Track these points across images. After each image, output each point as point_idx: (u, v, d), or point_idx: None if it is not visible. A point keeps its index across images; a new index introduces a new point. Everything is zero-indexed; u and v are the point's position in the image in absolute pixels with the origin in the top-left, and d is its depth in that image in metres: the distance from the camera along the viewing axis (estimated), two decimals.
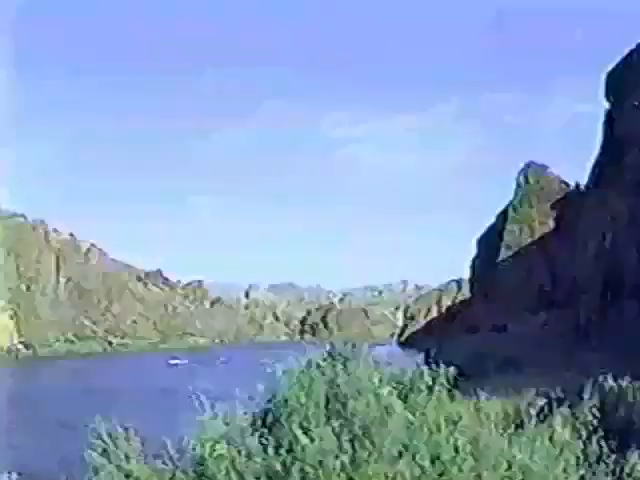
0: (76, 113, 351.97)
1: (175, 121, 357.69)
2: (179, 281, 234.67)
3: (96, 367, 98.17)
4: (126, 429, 5.54)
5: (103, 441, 5.28)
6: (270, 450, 5.27)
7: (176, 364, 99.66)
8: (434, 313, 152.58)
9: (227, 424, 5.70)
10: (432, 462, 5.06)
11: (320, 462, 5.08)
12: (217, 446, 5.38)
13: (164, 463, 5.51)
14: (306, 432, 5.28)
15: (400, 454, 5.11)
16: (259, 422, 5.86)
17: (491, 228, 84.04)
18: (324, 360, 6.15)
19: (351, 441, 5.24)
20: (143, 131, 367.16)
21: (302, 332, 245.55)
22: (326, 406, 5.60)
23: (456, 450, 5.14)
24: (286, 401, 5.79)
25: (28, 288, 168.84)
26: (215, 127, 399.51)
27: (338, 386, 5.69)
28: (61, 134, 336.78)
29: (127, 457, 5.42)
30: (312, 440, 5.20)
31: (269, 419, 5.83)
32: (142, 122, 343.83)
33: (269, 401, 6.19)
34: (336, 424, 5.39)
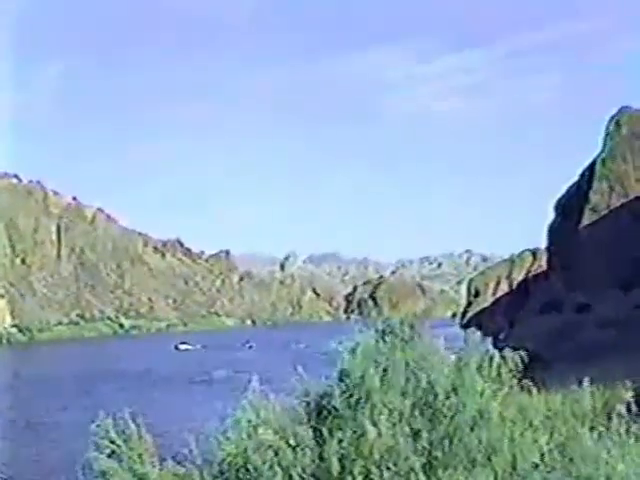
0: (78, 57, 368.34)
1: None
2: (202, 252, 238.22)
3: (97, 353, 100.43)
4: (138, 426, 5.42)
5: (112, 441, 5.15)
6: (325, 444, 5.18)
7: (186, 349, 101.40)
8: (504, 289, 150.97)
9: (273, 409, 5.69)
10: (513, 468, 4.97)
11: (389, 461, 5.00)
12: (260, 431, 5.28)
13: (181, 465, 5.46)
14: (376, 425, 5.17)
15: (489, 459, 5.01)
16: (313, 409, 5.83)
17: (573, 188, 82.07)
18: (378, 342, 6.13)
19: (430, 444, 5.12)
20: (152, 84, 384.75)
21: (347, 310, 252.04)
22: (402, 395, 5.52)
23: (541, 456, 5.05)
24: (350, 385, 5.73)
25: (23, 262, 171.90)
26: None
27: (416, 375, 5.57)
28: (63, 83, 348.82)
29: (141, 459, 5.30)
30: (379, 434, 5.08)
31: (326, 406, 5.80)
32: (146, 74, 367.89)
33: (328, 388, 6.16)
34: (418, 422, 5.29)
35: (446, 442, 5.10)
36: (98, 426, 5.35)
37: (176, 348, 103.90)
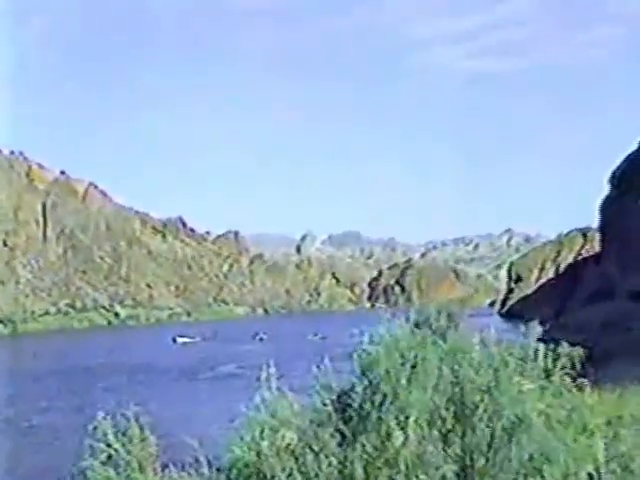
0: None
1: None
2: (208, 232, 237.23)
3: (88, 346, 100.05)
4: (141, 427, 5.45)
5: (108, 445, 5.11)
6: (349, 448, 5.25)
7: (184, 342, 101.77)
8: (550, 273, 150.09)
9: (291, 407, 5.80)
10: (564, 479, 4.97)
11: (417, 470, 5.06)
12: (280, 433, 5.35)
13: (186, 472, 5.49)
14: (403, 428, 5.21)
15: (535, 468, 5.01)
16: (336, 408, 5.93)
17: (632, 158, 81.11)
18: (406, 334, 6.16)
19: (463, 450, 5.14)
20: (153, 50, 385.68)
21: (371, 298, 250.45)
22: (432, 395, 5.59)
23: (596, 468, 5.03)
24: (373, 382, 5.85)
25: (5, 244, 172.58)
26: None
27: (455, 371, 5.60)
28: (48, 38, 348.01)
29: (140, 466, 5.28)
30: (407, 439, 5.14)
31: (350, 405, 5.90)
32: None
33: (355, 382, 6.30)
34: (451, 426, 5.31)
35: (483, 448, 5.08)
36: (94, 428, 5.34)
37: (174, 341, 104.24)
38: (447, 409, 5.42)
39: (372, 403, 5.69)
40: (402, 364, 5.75)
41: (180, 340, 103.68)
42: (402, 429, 5.22)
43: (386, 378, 5.71)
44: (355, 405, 5.84)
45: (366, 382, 5.93)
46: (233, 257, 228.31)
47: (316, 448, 5.30)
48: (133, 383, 54.29)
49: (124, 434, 5.36)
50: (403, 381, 5.61)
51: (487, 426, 5.17)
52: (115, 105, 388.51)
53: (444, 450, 5.15)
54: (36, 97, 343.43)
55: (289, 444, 5.32)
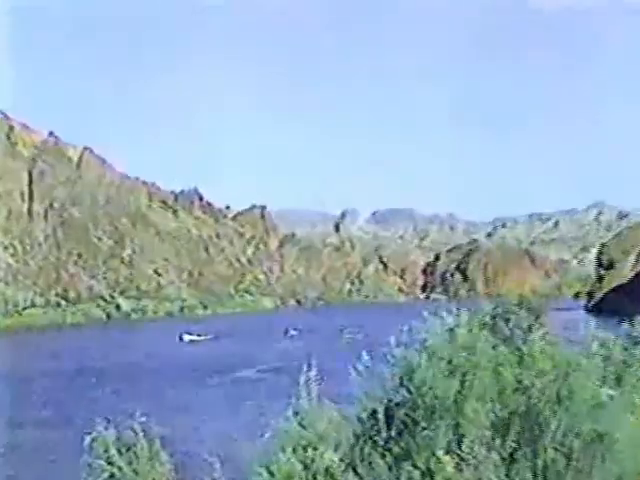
0: None
1: None
2: (228, 208, 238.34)
3: (79, 345, 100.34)
4: (150, 441, 5.55)
5: (110, 462, 5.18)
6: (403, 471, 5.36)
7: (191, 341, 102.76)
8: None
9: (329, 419, 6.00)
10: None
11: None
12: (318, 452, 5.48)
13: None
14: (455, 452, 5.25)
15: None
16: (382, 421, 6.06)
17: None
18: (481, 328, 6.28)
19: (534, 474, 5.03)
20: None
21: (426, 287, 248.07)
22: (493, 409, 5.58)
23: None
24: (419, 392, 5.99)
25: None
26: None
27: (521, 383, 5.59)
28: None
29: None
30: (461, 462, 5.15)
31: (401, 418, 6.03)
32: None
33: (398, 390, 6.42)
34: (514, 447, 5.21)
35: (556, 472, 4.99)
36: (92, 441, 5.44)
37: (180, 339, 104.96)
38: (510, 424, 5.40)
39: (414, 419, 5.79)
40: (451, 371, 5.90)
41: (187, 338, 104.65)
42: (453, 453, 5.28)
43: (433, 387, 5.85)
44: (398, 420, 5.97)
45: (407, 392, 6.11)
46: (259, 237, 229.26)
47: (361, 471, 5.45)
48: (129, 390, 54.92)
49: (129, 449, 5.41)
50: (454, 391, 5.71)
51: (561, 445, 4.99)
52: (117, 64, 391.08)
53: (507, 476, 5.10)
54: (20, 48, 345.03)
55: (328, 467, 5.41)
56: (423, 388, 6.05)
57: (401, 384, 6.31)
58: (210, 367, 69.20)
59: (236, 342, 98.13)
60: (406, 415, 5.98)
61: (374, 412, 6.24)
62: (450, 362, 5.95)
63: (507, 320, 6.66)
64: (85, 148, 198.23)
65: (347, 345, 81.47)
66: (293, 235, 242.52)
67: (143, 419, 6.00)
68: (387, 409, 6.39)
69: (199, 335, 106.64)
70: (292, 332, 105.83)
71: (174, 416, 41.44)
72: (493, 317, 6.76)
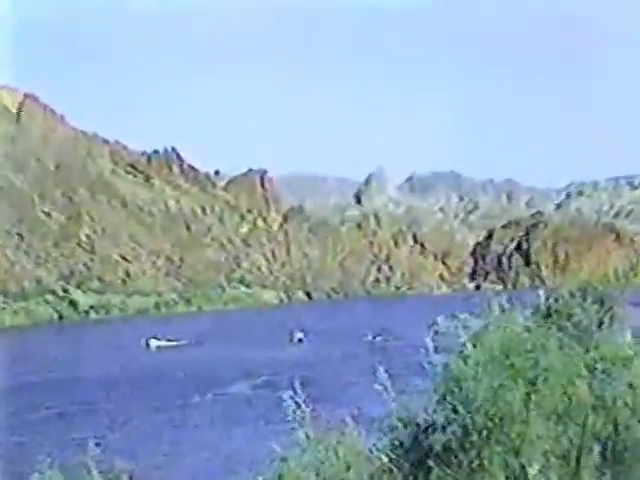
0: None
1: None
2: (218, 173, 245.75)
3: (15, 355, 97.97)
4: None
5: None
6: None
7: (160, 347, 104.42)
8: None
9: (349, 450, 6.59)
10: None
11: None
12: None
13: None
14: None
15: None
16: (409, 450, 6.58)
17: None
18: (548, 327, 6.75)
19: None
20: None
21: (475, 274, 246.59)
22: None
23: None
24: (466, 409, 6.24)
25: None
26: None
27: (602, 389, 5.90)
28: None
29: None
30: None
31: (433, 446, 6.33)
32: None
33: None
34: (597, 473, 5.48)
35: None
36: None
37: (147, 346, 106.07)
38: (589, 449, 5.54)
39: (462, 446, 6.08)
40: (514, 379, 6.13)
41: (155, 344, 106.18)
42: None
43: (487, 402, 6.12)
44: (439, 448, 6.29)
45: (451, 411, 6.41)
46: (257, 212, 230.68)
47: None
48: (79, 412, 55.09)
49: None
50: (516, 406, 5.91)
51: None
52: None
53: None
54: None
55: None
56: (473, 404, 6.28)
57: (443, 399, 6.66)
58: (188, 382, 69.56)
59: (225, 348, 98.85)
60: (450, 442, 6.26)
61: (399, 445, 6.88)
62: (512, 366, 6.21)
63: (570, 315, 7.29)
64: (27, 95, 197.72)
65: (372, 352, 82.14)
66: (302, 208, 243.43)
67: (97, 451, 6.56)
68: (424, 434, 6.77)
69: (170, 340, 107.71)
70: (299, 335, 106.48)
71: (137, 448, 41.42)
72: (555, 311, 7.52)
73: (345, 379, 60.98)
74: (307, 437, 8.15)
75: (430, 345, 8.27)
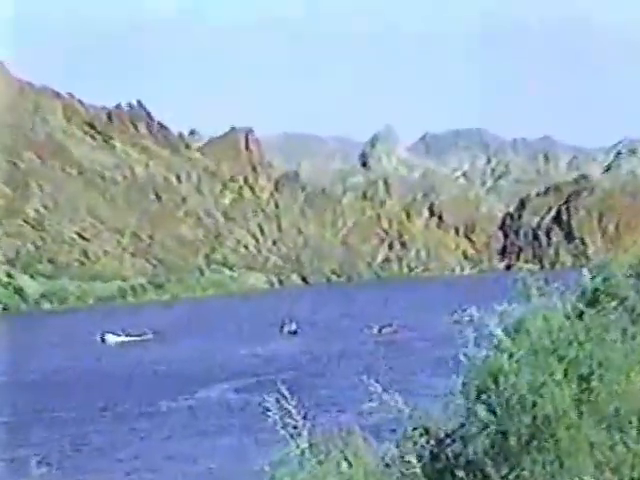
0: None
1: None
2: (193, 133, 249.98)
3: None
4: None
5: None
6: None
7: (118, 342, 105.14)
8: None
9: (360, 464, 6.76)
10: None
11: None
12: None
13: None
14: None
15: None
16: (431, 463, 6.82)
17: None
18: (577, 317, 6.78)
19: None
20: None
21: (506, 251, 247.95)
22: None
23: None
24: (503, 413, 6.42)
25: None
26: None
27: None
28: None
29: None
30: None
31: (459, 458, 6.59)
32: None
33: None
34: None
35: None
36: None
37: (102, 341, 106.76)
38: None
39: (498, 453, 6.16)
40: (565, 372, 6.19)
41: (112, 339, 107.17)
42: None
43: (529, 400, 6.16)
44: (466, 456, 6.51)
45: (487, 411, 6.54)
46: (243, 179, 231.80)
47: None
48: (18, 425, 54.60)
49: None
50: (564, 409, 5.89)
51: None
52: None
53: None
54: None
55: None
56: (512, 405, 6.42)
57: (477, 399, 6.71)
58: (153, 384, 69.91)
59: (203, 343, 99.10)
60: (482, 450, 6.39)
61: (426, 449, 7.02)
62: (561, 360, 6.26)
63: (622, 299, 7.53)
64: None
65: (378, 346, 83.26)
66: (296, 175, 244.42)
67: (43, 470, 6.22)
68: (450, 441, 6.90)
69: (130, 335, 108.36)
70: (292, 327, 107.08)
71: (88, 466, 41.40)
72: (604, 295, 7.78)
73: (343, 380, 60.75)
74: (301, 451, 8.12)
75: (455, 336, 8.47)
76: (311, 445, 8.14)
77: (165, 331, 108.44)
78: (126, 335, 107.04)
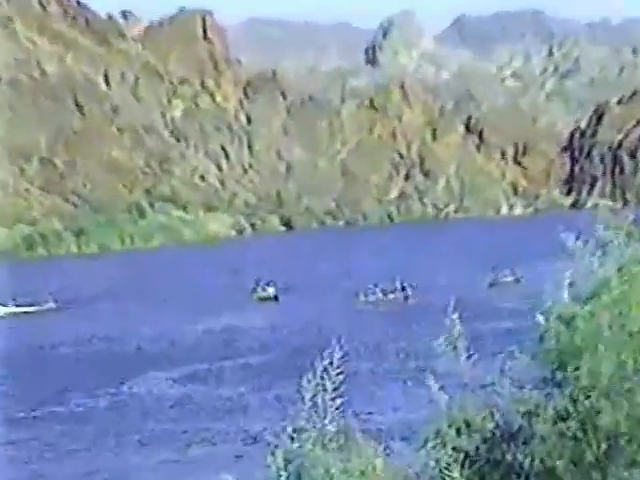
0: None
1: None
2: (127, 17, 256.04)
3: None
4: None
5: None
6: None
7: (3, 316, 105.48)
8: None
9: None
10: None
11: None
12: None
13: None
14: None
15: None
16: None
17: None
18: None
19: None
20: None
21: (574, 181, 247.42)
22: None
23: None
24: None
25: None
26: None
27: None
28: None
29: None
30: None
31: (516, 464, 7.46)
32: None
33: None
34: None
35: None
36: None
37: None
38: None
39: (572, 456, 7.20)
40: None
41: None
42: None
43: (607, 393, 6.93)
44: (521, 459, 7.47)
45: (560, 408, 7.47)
46: (199, 80, 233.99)
47: None
48: None
49: None
50: None
51: None
52: None
53: None
54: None
55: None
56: (587, 394, 6.95)
57: (545, 384, 7.43)
58: (49, 375, 69.11)
59: (133, 315, 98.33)
60: (546, 451, 7.22)
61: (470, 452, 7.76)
62: None
63: None
64: None
65: (379, 318, 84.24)
66: (275, 76, 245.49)
67: None
68: (501, 440, 7.68)
69: (20, 305, 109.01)
70: (268, 290, 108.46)
71: None
72: None
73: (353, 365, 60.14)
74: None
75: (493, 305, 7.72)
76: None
77: (79, 298, 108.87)
78: (16, 305, 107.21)
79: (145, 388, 62.32)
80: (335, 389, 7.68)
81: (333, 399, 7.67)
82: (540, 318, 8.20)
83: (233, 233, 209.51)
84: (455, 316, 8.87)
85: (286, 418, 8.65)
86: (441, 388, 9.17)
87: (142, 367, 67.40)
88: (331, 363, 7.59)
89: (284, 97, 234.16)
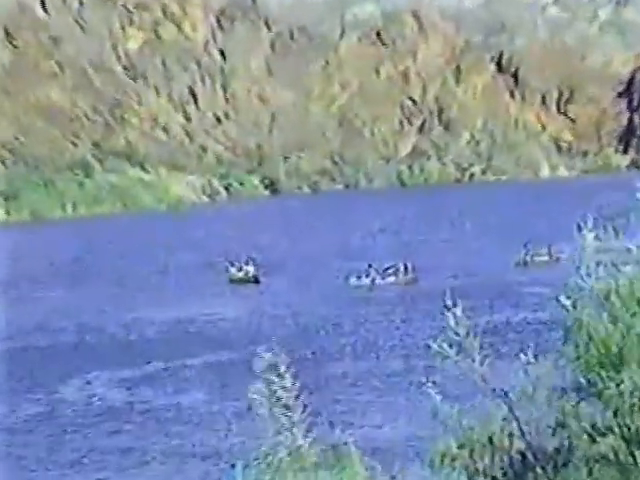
0: None
1: None
2: None
3: None
4: None
5: None
6: None
7: None
8: None
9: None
10: None
11: None
12: None
13: None
14: None
15: None
16: None
17: None
18: None
19: None
20: None
21: (633, 136, 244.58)
22: None
23: None
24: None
25: None
26: None
27: None
28: None
29: None
30: None
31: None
32: None
33: None
34: None
35: None
36: None
37: None
38: None
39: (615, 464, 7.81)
40: None
41: None
42: None
43: None
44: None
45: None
46: (160, 5, 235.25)
47: None
48: None
49: None
50: None
51: None
52: None
53: None
54: None
55: None
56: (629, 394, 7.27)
57: (577, 390, 7.91)
58: None
59: (68, 299, 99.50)
60: (582, 457, 7.82)
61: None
62: None
63: None
64: None
65: (378, 307, 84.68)
66: (255, 7, 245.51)
67: None
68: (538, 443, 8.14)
69: None
70: (247, 269, 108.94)
71: None
72: None
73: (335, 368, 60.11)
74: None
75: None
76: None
77: (1, 279, 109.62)
78: None
79: (80, 394, 61.94)
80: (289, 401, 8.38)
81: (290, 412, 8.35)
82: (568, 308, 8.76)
83: (203, 198, 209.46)
84: (459, 310, 9.29)
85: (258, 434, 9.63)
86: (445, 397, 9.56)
87: (80, 367, 66.84)
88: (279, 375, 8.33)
89: (268, 28, 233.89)
